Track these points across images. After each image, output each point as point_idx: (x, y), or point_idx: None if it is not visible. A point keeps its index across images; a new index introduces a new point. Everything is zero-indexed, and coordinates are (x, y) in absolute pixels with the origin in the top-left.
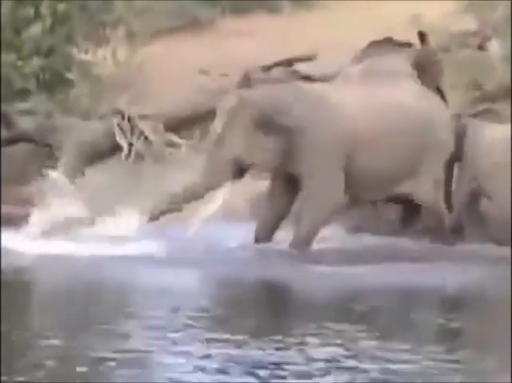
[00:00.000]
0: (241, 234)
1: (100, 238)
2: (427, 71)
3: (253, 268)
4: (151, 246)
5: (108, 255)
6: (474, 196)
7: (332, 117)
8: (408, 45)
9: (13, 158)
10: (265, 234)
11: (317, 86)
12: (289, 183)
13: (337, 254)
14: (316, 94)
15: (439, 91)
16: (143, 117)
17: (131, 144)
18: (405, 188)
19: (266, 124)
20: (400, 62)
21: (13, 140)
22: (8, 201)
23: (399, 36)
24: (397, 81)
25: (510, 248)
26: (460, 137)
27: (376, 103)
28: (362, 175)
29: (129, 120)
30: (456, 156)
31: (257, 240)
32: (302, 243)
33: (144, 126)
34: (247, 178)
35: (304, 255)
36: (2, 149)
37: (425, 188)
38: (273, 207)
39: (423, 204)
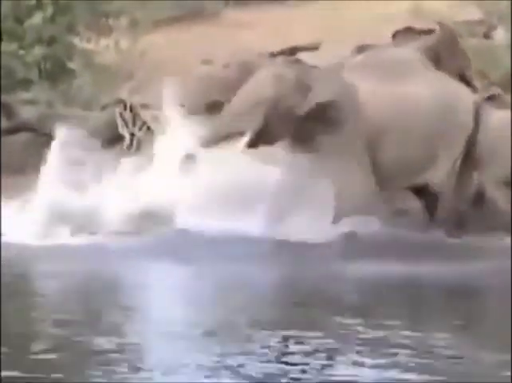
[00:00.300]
0: None
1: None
2: (447, 58)
3: None
4: None
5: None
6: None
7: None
8: (429, 31)
9: (13, 147)
10: None
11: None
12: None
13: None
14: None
15: (464, 77)
16: (145, 107)
17: (132, 135)
18: (424, 177)
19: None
20: (410, 52)
21: (15, 130)
22: (8, 190)
23: (404, 25)
24: (408, 71)
25: None
26: (477, 122)
27: (387, 93)
28: (382, 165)
29: (131, 109)
30: (472, 142)
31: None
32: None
33: (147, 116)
34: None
35: None
36: (3, 138)
37: (441, 176)
38: None
39: (438, 193)
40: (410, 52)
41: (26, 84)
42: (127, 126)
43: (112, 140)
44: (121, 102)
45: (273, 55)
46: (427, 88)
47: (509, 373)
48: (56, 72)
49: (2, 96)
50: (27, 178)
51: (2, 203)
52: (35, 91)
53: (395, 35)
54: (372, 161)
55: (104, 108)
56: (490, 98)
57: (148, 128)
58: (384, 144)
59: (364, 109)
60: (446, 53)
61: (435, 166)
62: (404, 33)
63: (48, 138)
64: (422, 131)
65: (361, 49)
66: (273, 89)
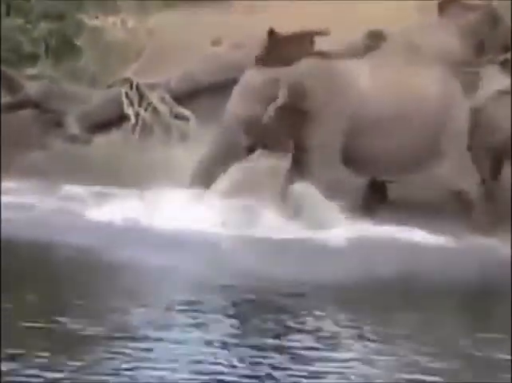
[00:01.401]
0: None
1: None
2: (490, 38)
3: None
4: None
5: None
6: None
7: (343, 97)
8: (474, 7)
9: (17, 123)
10: None
11: (334, 64)
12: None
13: None
14: (332, 73)
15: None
16: (151, 87)
17: (138, 115)
18: (427, 170)
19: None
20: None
21: (19, 105)
22: (11, 168)
23: (413, 10)
24: (419, 63)
25: None
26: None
27: (391, 84)
28: (373, 156)
29: (137, 89)
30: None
31: None
32: None
33: (153, 96)
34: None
35: None
36: (8, 115)
37: (448, 171)
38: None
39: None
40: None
41: (32, 59)
42: (132, 106)
43: (118, 119)
44: (127, 81)
45: None
46: (433, 85)
47: (509, 375)
48: (62, 48)
49: (8, 71)
50: (30, 155)
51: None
52: (41, 67)
53: (441, 7)
54: (362, 149)
55: (109, 86)
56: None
57: (155, 108)
58: (381, 133)
59: (362, 96)
60: (488, 34)
61: (440, 160)
62: (449, 6)
63: (53, 115)
64: (420, 124)
65: (373, 34)
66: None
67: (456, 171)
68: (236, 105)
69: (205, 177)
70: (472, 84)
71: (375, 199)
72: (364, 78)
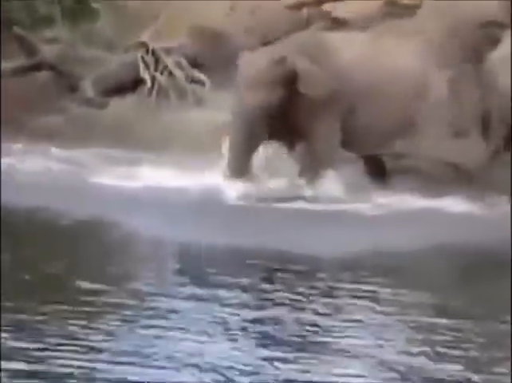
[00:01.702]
0: None
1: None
2: None
3: None
4: None
5: None
6: None
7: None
8: None
9: (33, 87)
10: None
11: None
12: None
13: None
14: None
15: None
16: (167, 51)
17: (154, 79)
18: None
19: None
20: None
21: (35, 68)
22: (27, 130)
23: None
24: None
25: None
26: None
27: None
28: (360, 129)
29: (153, 53)
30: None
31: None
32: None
33: (168, 60)
34: None
35: None
36: (24, 77)
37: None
38: None
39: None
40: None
41: (48, 22)
42: (148, 70)
43: (133, 83)
44: (144, 45)
45: (301, 4)
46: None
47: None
48: (78, 10)
49: (24, 34)
50: (46, 118)
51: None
52: (57, 29)
53: None
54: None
55: (126, 50)
56: None
57: (170, 73)
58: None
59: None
60: None
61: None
62: None
63: (68, 78)
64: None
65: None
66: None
67: (440, 141)
68: (247, 95)
69: (238, 167)
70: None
71: (377, 174)
72: (352, 51)
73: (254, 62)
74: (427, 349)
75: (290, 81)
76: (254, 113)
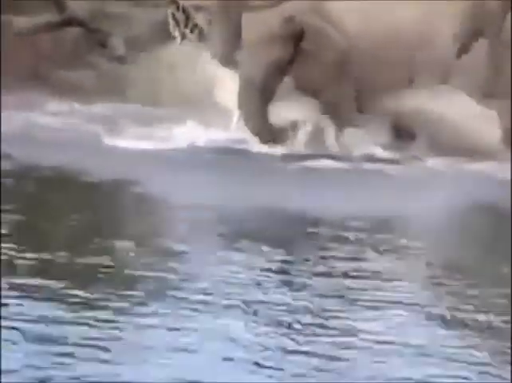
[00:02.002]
0: None
1: None
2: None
3: None
4: None
5: None
6: None
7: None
8: None
9: (63, 42)
10: None
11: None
12: None
13: None
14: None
15: None
16: (197, 8)
17: (184, 36)
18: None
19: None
20: None
21: (64, 24)
22: (56, 85)
23: None
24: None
25: None
26: None
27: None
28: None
29: (184, 11)
30: None
31: None
32: None
33: (199, 18)
34: None
35: None
36: (53, 33)
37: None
38: None
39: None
40: None
41: None
42: (178, 27)
43: (163, 40)
44: (174, 2)
45: None
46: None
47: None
48: None
49: None
50: (75, 74)
51: None
52: None
53: None
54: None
55: (156, 6)
56: None
57: (200, 31)
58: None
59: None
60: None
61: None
62: None
63: (98, 34)
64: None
65: None
66: None
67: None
68: (261, 51)
69: (257, 123)
70: None
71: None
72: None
73: (264, 21)
74: None
75: (298, 40)
76: (268, 69)
